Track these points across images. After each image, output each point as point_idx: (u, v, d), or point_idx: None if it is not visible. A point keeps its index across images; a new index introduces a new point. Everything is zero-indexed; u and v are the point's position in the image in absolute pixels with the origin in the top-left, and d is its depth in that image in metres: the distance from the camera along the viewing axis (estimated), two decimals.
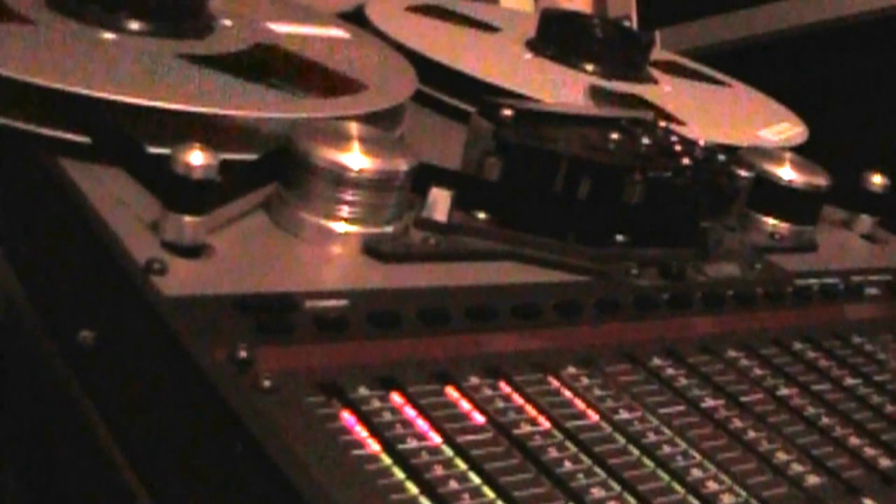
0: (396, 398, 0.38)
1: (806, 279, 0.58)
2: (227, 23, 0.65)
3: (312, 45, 0.66)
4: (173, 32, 0.60)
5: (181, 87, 0.53)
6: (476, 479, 0.35)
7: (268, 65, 0.61)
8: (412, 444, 0.36)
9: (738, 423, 0.43)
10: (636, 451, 0.39)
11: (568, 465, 0.37)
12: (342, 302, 0.43)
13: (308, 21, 0.72)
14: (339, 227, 0.47)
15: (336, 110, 0.55)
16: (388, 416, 0.37)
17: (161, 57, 0.56)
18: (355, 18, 0.78)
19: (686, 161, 0.56)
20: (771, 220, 0.63)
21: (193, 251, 0.43)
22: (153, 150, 0.47)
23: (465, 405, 0.39)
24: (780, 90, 0.88)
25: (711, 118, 0.79)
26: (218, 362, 0.37)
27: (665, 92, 0.81)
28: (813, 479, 0.41)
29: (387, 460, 0.35)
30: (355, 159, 0.47)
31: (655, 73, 0.85)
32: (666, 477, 0.38)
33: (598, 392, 0.42)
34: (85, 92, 0.48)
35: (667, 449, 0.40)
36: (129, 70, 0.54)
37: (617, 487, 0.37)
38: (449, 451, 0.36)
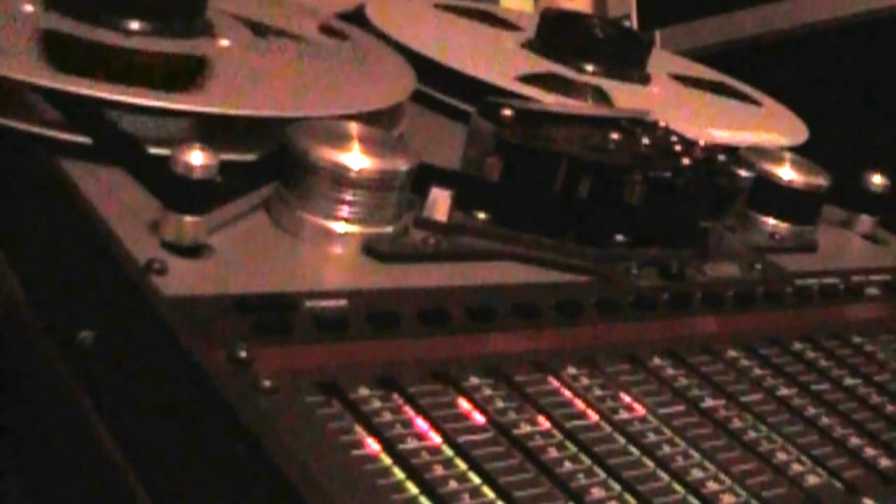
0: (396, 398, 0.38)
1: (806, 279, 0.58)
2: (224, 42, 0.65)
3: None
4: (170, 32, 0.60)
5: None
6: (476, 479, 0.35)
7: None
8: (412, 444, 0.36)
9: (738, 423, 0.43)
10: (636, 451, 0.39)
11: (568, 465, 0.37)
12: (342, 302, 0.43)
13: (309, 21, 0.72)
14: (339, 227, 0.47)
15: (336, 110, 0.55)
16: (388, 416, 0.37)
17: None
18: (355, 18, 0.78)
19: (686, 161, 0.56)
20: (771, 220, 0.63)
21: (193, 251, 0.43)
22: (154, 150, 0.47)
23: (465, 405, 0.39)
24: (780, 90, 0.88)
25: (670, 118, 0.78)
26: (218, 362, 0.37)
27: (648, 93, 0.80)
28: (813, 479, 0.41)
29: (387, 460, 0.35)
30: (355, 159, 0.47)
31: (665, 80, 0.84)
32: (666, 477, 0.38)
33: (598, 392, 0.42)
34: (85, 92, 0.48)
35: (667, 449, 0.40)
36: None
37: (617, 487, 0.37)
38: (449, 451, 0.36)
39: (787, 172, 0.63)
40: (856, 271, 0.62)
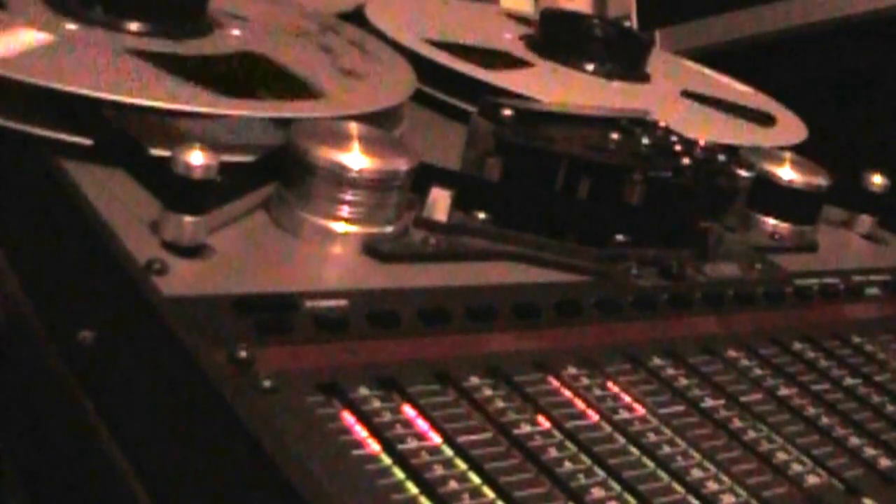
0: (396, 398, 0.38)
1: (806, 279, 0.58)
2: (235, 32, 0.64)
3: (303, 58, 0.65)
4: (167, 33, 0.60)
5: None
6: (476, 479, 0.35)
7: (238, 73, 0.60)
8: (412, 444, 0.36)
9: (738, 423, 0.43)
10: (636, 451, 0.39)
11: (568, 465, 0.37)
12: (342, 302, 0.43)
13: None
14: (339, 227, 0.47)
15: (336, 110, 0.55)
16: (388, 416, 0.37)
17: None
18: (355, 18, 0.78)
19: (686, 161, 0.56)
20: (771, 220, 0.63)
21: (193, 251, 0.43)
22: (154, 151, 0.47)
23: (465, 405, 0.39)
24: (780, 90, 0.88)
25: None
26: (218, 362, 0.37)
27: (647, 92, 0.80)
28: (813, 479, 0.41)
29: (387, 460, 0.35)
30: (355, 159, 0.47)
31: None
32: (666, 477, 0.38)
33: (598, 392, 0.42)
34: (85, 92, 0.48)
35: (667, 449, 0.40)
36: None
37: (617, 487, 0.37)
38: (449, 451, 0.36)
39: (787, 172, 0.63)
40: (856, 271, 0.62)
